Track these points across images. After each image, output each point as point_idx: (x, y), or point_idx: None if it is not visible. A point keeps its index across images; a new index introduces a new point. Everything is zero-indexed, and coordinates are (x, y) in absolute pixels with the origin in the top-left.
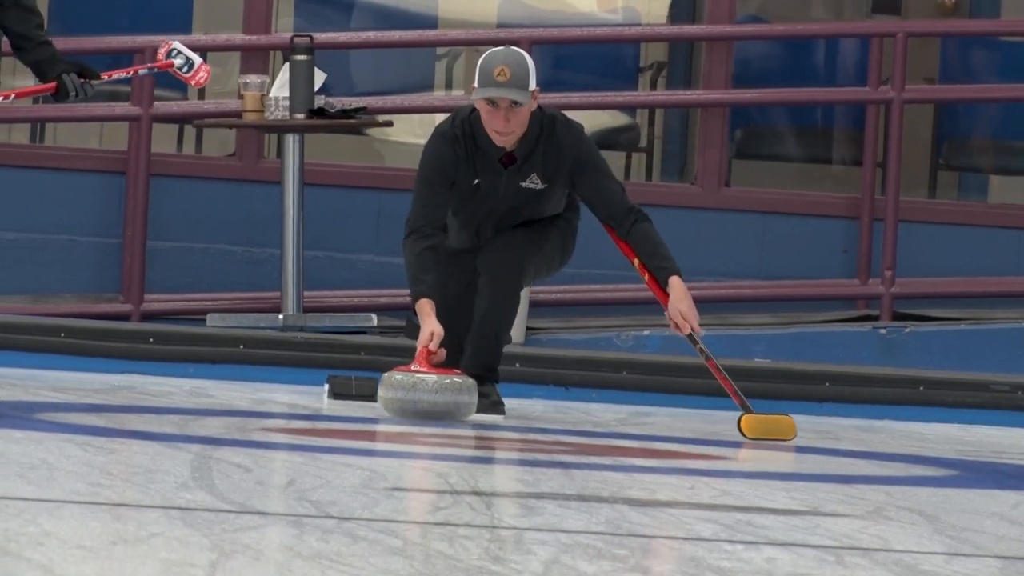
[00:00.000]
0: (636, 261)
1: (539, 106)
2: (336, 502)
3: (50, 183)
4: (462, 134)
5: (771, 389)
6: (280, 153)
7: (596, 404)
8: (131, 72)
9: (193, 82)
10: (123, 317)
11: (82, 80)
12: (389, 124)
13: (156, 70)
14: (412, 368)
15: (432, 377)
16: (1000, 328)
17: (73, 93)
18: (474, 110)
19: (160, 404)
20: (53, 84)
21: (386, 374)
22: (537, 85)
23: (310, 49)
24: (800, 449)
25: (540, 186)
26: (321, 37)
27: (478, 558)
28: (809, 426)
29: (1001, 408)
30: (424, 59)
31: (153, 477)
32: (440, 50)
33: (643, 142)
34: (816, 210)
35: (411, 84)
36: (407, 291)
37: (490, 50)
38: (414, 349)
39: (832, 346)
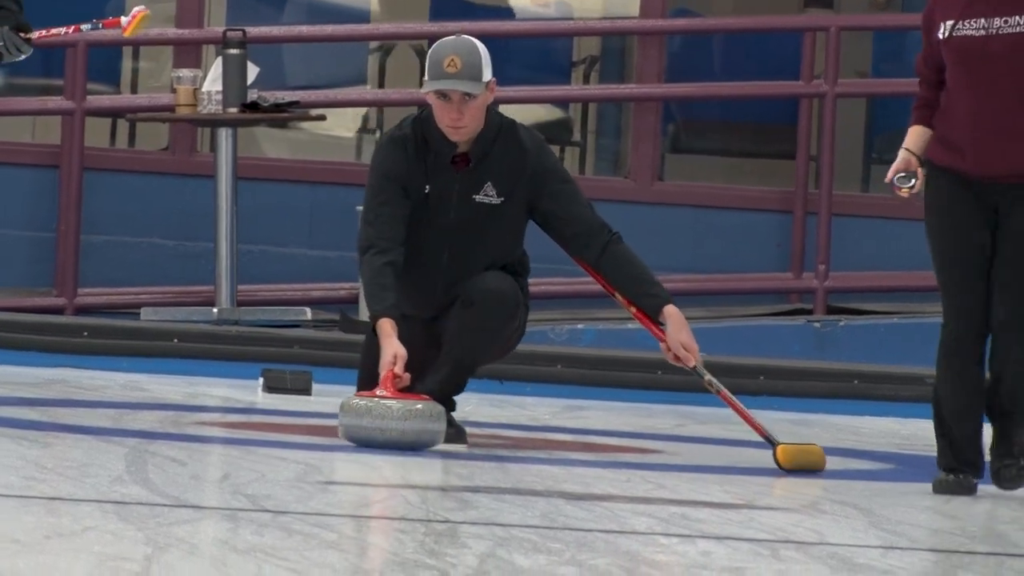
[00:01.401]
0: (619, 296)
1: (498, 112)
2: (271, 496)
3: None
4: (412, 134)
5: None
6: (213, 147)
7: (531, 398)
8: (74, 29)
9: (123, 26)
10: (57, 311)
11: (21, 36)
12: (322, 118)
13: (102, 26)
14: (376, 393)
15: (397, 403)
16: (934, 322)
17: (1, 43)
18: (427, 110)
19: (94, 398)
20: None
21: (346, 399)
22: (493, 76)
23: (243, 43)
24: (735, 443)
25: (495, 200)
26: (254, 31)
27: (413, 551)
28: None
29: None
30: (356, 53)
31: (87, 471)
32: (372, 44)
33: (576, 136)
34: (749, 204)
35: (343, 78)
36: (340, 284)
37: (440, 40)
38: (348, 344)
39: (766, 340)
